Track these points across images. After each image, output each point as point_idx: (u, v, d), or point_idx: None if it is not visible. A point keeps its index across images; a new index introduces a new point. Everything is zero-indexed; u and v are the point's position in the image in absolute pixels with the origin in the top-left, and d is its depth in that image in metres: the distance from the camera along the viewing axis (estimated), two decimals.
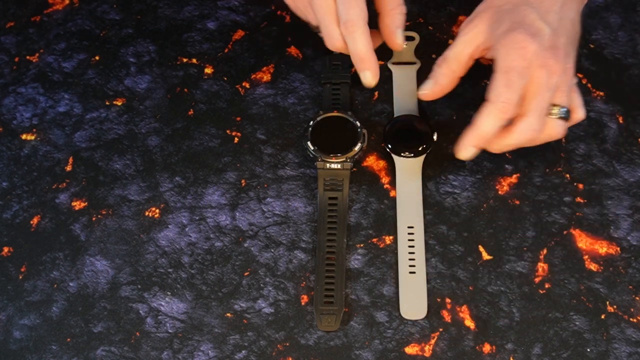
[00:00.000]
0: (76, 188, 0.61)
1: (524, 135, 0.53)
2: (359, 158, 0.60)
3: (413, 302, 0.55)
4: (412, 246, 0.56)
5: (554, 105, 0.53)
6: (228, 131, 0.63)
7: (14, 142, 0.63)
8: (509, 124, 0.53)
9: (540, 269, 0.56)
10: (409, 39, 0.66)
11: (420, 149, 0.59)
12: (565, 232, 0.57)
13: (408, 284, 0.55)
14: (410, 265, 0.56)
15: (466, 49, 0.56)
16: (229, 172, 0.61)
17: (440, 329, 0.54)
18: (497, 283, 0.55)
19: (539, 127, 0.53)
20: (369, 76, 0.55)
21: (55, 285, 0.57)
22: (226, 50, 0.67)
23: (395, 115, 0.62)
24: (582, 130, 0.61)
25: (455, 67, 0.56)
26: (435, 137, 0.60)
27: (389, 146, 0.60)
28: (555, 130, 0.54)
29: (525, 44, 0.51)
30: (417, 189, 0.59)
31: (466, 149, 0.54)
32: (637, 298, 0.54)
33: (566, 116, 0.54)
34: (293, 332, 0.54)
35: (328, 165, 0.59)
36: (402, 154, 0.60)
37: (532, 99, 0.52)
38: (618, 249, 0.56)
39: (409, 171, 0.59)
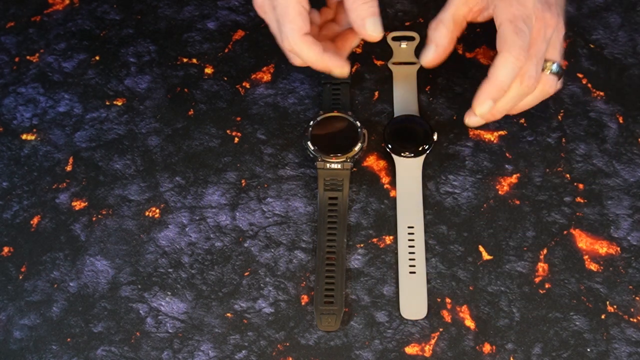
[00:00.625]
0: (76, 188, 0.61)
1: (523, 85, 0.53)
2: (359, 158, 0.60)
3: (413, 302, 0.55)
4: (412, 246, 0.56)
5: (547, 60, 0.55)
6: (228, 131, 0.63)
7: (14, 142, 0.63)
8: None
9: (540, 269, 0.56)
10: (409, 39, 0.66)
11: (420, 149, 0.59)
12: (565, 232, 0.57)
13: (408, 284, 0.55)
14: (410, 265, 0.56)
15: (460, 10, 0.55)
16: (229, 172, 0.61)
17: (441, 329, 0.54)
18: (497, 283, 0.55)
19: (536, 76, 0.53)
20: (335, 73, 0.55)
21: (56, 285, 0.57)
22: (226, 50, 0.67)
23: (395, 115, 0.62)
24: (582, 130, 0.61)
25: (452, 28, 0.56)
26: (435, 137, 0.60)
27: (389, 146, 0.60)
28: (548, 84, 0.55)
29: None
30: (417, 189, 0.59)
31: (485, 103, 0.53)
32: (637, 298, 0.54)
33: (559, 71, 0.55)
34: (293, 332, 0.54)
35: (328, 165, 0.59)
36: (402, 154, 0.60)
37: (530, 47, 0.53)
38: (618, 249, 0.56)
39: (409, 171, 0.59)
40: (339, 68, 0.54)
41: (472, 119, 0.56)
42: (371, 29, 0.53)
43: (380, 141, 0.61)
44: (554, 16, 0.54)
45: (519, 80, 0.53)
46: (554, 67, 0.55)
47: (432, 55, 0.56)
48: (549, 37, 0.54)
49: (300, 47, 0.53)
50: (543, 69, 0.54)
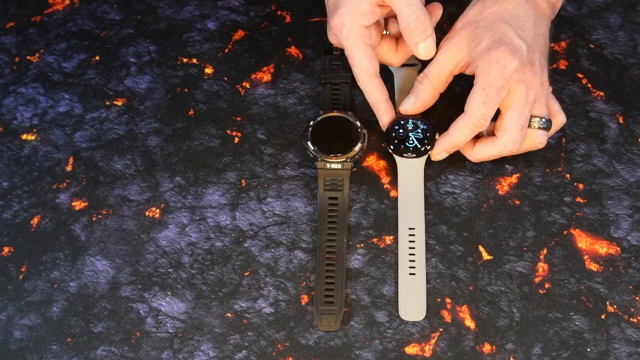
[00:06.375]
0: (76, 188, 0.61)
1: (506, 147, 0.56)
2: (359, 158, 0.60)
3: (412, 304, 0.54)
4: (413, 247, 0.56)
5: (534, 116, 0.56)
6: (228, 131, 0.63)
7: (14, 142, 0.63)
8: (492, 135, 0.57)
9: (540, 269, 0.56)
10: None
11: (422, 149, 0.59)
12: (565, 232, 0.57)
13: (407, 285, 0.55)
14: (410, 267, 0.56)
15: (446, 66, 0.58)
16: (229, 172, 0.61)
17: (441, 329, 0.54)
18: (497, 283, 0.55)
19: (520, 139, 0.56)
20: (380, 121, 0.60)
21: (56, 285, 0.57)
22: (226, 50, 0.67)
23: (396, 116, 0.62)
24: (582, 130, 0.61)
25: (436, 84, 0.59)
26: (437, 138, 0.60)
27: (391, 147, 0.60)
28: (537, 140, 0.57)
29: (506, 62, 0.54)
30: (419, 190, 0.59)
31: (439, 154, 0.59)
32: (637, 298, 0.54)
33: (546, 126, 0.57)
34: (293, 332, 0.54)
35: (328, 165, 0.59)
36: (404, 155, 0.59)
37: (512, 112, 0.55)
38: (618, 249, 0.56)
39: (410, 172, 0.59)
40: (384, 122, 0.60)
41: (435, 157, 0.60)
42: (423, 54, 0.57)
43: (380, 141, 0.61)
44: (537, 75, 0.55)
45: (501, 143, 0.56)
46: (542, 122, 0.57)
47: (411, 107, 0.60)
48: (532, 98, 0.55)
49: (366, 86, 0.58)
50: (530, 126, 0.56)
